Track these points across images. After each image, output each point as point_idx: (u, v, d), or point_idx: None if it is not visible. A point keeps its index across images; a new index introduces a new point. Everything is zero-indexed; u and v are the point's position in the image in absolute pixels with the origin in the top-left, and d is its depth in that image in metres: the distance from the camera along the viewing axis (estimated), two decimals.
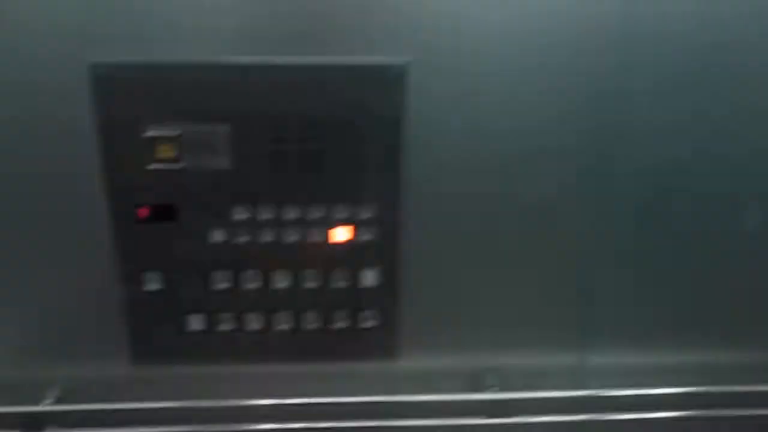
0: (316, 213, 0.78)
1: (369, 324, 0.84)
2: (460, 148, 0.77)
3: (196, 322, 0.83)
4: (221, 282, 0.81)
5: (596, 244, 0.84)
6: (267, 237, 0.79)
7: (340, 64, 0.73)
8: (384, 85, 0.73)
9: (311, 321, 0.84)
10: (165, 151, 0.74)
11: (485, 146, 0.78)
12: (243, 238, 0.79)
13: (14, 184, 0.76)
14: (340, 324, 0.84)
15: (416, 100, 0.75)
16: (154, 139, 0.73)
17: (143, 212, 0.77)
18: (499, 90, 0.76)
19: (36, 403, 0.85)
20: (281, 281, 0.82)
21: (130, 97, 0.72)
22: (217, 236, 0.79)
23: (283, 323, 0.84)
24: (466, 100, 0.76)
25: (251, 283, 0.81)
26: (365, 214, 0.79)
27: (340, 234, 0.80)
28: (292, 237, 0.79)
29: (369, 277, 0.82)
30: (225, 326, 0.83)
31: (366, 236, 0.80)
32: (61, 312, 0.83)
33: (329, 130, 0.75)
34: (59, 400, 0.86)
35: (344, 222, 0.79)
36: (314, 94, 0.73)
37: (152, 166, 0.74)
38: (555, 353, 0.89)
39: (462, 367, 0.88)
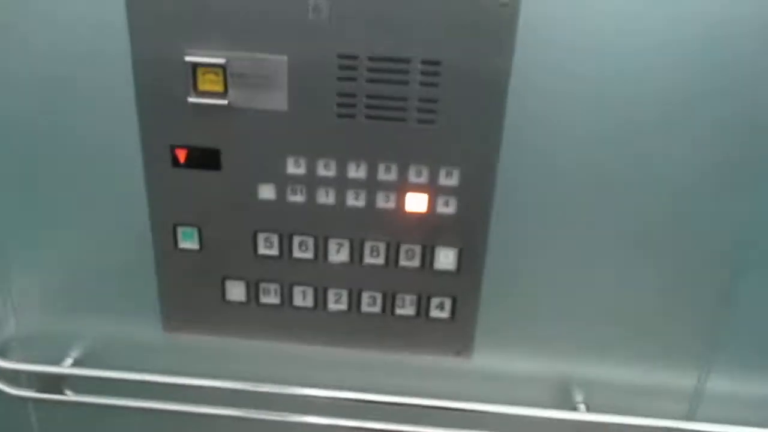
0: (388, 173, 0.63)
1: (440, 314, 0.70)
2: (571, 110, 0.60)
3: (235, 291, 0.70)
4: (268, 247, 0.68)
5: (734, 245, 0.65)
6: (326, 198, 0.65)
7: None
8: (491, 11, 0.56)
9: (371, 303, 0.70)
10: (209, 83, 0.60)
11: (601, 112, 0.60)
12: (297, 197, 0.65)
13: (41, 122, 0.64)
14: (406, 310, 0.70)
15: (523, 45, 0.58)
16: (195, 65, 0.60)
17: (181, 155, 0.64)
18: (623, 47, 0.57)
19: (57, 362, 0.75)
20: (339, 253, 0.67)
21: (168, 11, 0.58)
22: (267, 192, 0.65)
23: (337, 302, 0.70)
24: (582, 56, 0.58)
25: (303, 251, 0.68)
26: (449, 180, 0.63)
27: (416, 202, 0.64)
28: (356, 200, 0.65)
29: (446, 258, 0.67)
30: (269, 299, 0.70)
31: (447, 208, 0.64)
32: (88, 265, 0.72)
33: (412, 70, 0.59)
34: (80, 362, 0.76)
35: (422, 187, 0.64)
36: (397, 23, 0.57)
37: (193, 100, 0.61)
38: (660, 371, 0.72)
39: (545, 376, 0.73)
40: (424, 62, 0.58)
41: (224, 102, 0.61)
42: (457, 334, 0.71)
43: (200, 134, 0.63)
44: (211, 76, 0.60)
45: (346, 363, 0.73)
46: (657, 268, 0.67)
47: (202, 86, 0.60)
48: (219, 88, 0.60)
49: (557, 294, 0.69)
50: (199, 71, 0.60)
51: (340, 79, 0.59)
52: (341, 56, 0.59)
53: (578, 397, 0.73)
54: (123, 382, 0.73)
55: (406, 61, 0.58)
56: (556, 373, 0.73)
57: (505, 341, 0.72)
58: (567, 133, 0.61)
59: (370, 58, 0.58)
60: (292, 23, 0.58)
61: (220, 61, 0.59)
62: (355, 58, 0.58)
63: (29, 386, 0.76)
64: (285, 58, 0.59)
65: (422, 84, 0.59)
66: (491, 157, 0.62)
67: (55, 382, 0.74)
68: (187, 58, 0.59)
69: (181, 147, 0.64)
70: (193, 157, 0.64)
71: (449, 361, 0.72)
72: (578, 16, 0.57)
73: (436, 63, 0.58)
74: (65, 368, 0.74)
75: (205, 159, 0.64)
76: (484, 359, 0.72)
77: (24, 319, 0.76)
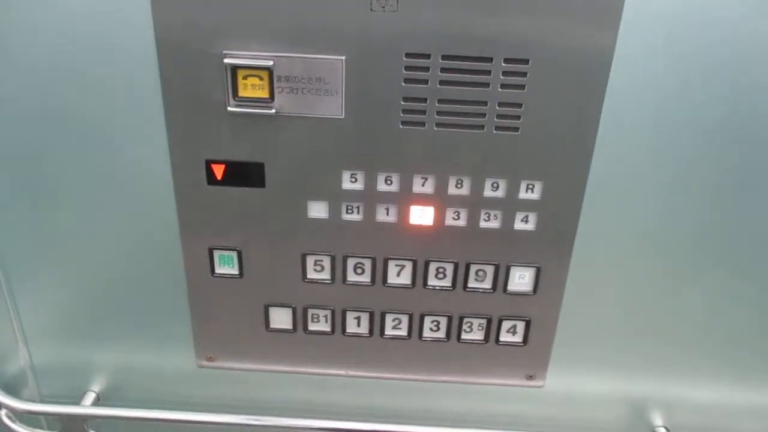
0: (459, 187, 0.55)
1: (512, 338, 0.62)
2: (676, 112, 0.52)
3: (280, 318, 0.62)
4: (318, 270, 0.60)
5: None
6: (386, 216, 0.57)
7: None
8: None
9: (434, 329, 0.62)
10: (252, 88, 0.51)
11: (709, 119, 0.52)
12: (353, 215, 0.57)
13: (56, 130, 0.55)
14: (473, 335, 0.62)
15: (626, 34, 0.49)
16: (235, 68, 0.50)
17: (218, 170, 0.55)
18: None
19: (77, 396, 0.68)
20: (400, 275, 0.59)
21: (202, 3, 0.49)
22: (318, 210, 0.57)
23: (396, 328, 0.62)
24: (695, 48, 0.50)
25: (359, 274, 0.60)
26: (529, 194, 0.55)
27: (490, 218, 0.56)
28: (421, 218, 0.56)
29: (521, 279, 0.59)
30: (318, 326, 0.63)
31: (525, 224, 0.56)
32: (112, 289, 0.63)
33: (494, 71, 0.50)
34: (103, 395, 0.68)
35: (498, 203, 0.55)
36: (477, 16, 0.48)
37: (233, 108, 0.52)
38: (743, 393, 0.66)
39: (623, 400, 0.67)
40: (508, 61, 0.50)
41: (270, 111, 0.52)
42: (530, 359, 0.63)
43: (241, 147, 0.54)
44: (255, 80, 0.51)
45: (405, 392, 0.66)
46: (742, 287, 0.60)
47: (244, 92, 0.51)
48: (264, 93, 0.51)
49: (638, 313, 0.62)
50: (240, 74, 0.51)
51: (407, 81, 0.51)
52: (410, 55, 0.50)
53: (658, 421, 0.67)
54: (151, 421, 0.65)
55: (488, 60, 0.49)
56: (634, 397, 0.66)
57: (581, 364, 0.65)
58: (667, 140, 0.53)
59: (445, 57, 0.50)
60: (350, 17, 0.49)
61: (266, 63, 0.50)
62: (426, 56, 0.50)
63: (48, 426, 0.68)
64: (342, 58, 0.50)
65: (505, 86, 0.50)
66: (582, 167, 0.54)
67: (76, 422, 0.66)
68: (226, 60, 0.50)
69: (218, 162, 0.55)
70: (232, 172, 0.55)
71: (520, 388, 0.65)
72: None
73: (523, 62, 0.49)
74: (86, 408, 0.66)
75: (247, 175, 0.55)
76: (557, 383, 0.65)
77: (39, 349, 0.67)
